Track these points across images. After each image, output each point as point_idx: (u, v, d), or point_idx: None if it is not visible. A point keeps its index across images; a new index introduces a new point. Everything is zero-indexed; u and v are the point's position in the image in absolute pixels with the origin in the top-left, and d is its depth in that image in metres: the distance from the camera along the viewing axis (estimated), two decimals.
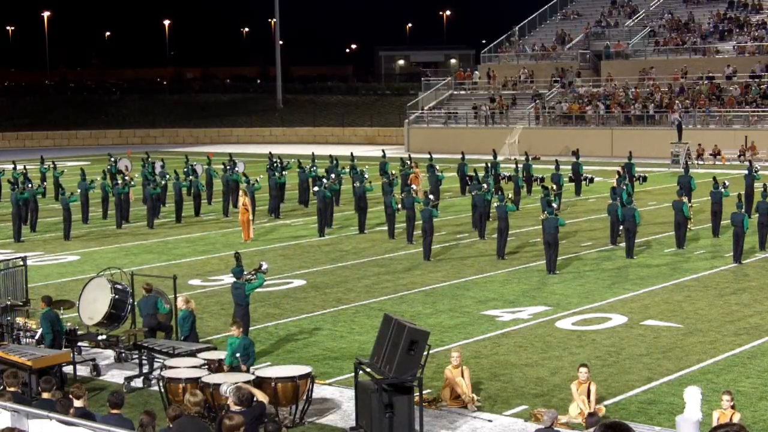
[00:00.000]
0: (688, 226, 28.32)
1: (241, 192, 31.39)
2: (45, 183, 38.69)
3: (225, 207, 36.81)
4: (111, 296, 17.75)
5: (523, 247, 28.39)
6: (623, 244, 27.26)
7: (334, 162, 41.00)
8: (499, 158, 42.73)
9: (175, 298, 17.70)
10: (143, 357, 16.56)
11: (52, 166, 44.01)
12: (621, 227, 27.86)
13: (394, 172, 37.36)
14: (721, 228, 29.51)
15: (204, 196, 38.64)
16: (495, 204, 28.39)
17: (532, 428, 13.65)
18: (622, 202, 27.27)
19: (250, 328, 18.50)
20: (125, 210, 34.94)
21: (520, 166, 38.78)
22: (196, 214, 36.44)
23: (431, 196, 28.30)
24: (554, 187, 34.19)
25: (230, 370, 14.72)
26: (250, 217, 31.21)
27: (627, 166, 37.94)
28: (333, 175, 36.58)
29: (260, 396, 12.49)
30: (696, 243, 28.62)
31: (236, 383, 12.55)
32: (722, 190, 29.54)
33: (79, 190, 34.78)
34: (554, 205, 25.66)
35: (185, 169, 40.29)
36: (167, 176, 38.50)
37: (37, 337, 17.06)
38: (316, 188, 32.65)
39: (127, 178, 36.37)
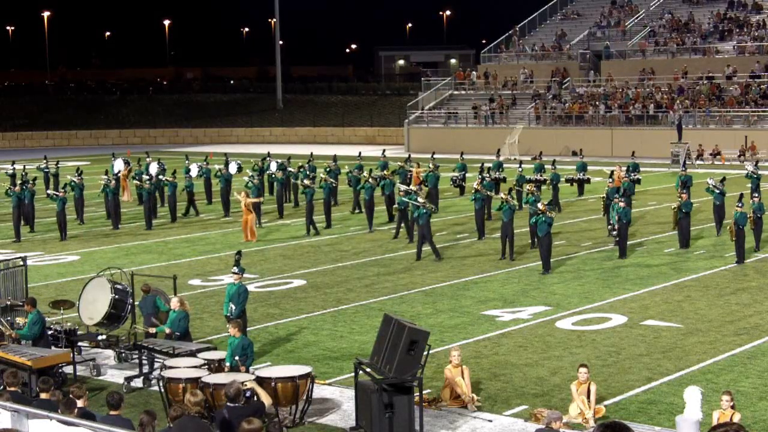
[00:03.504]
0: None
1: (243, 194, 31.33)
2: (35, 183, 37.24)
3: (225, 206, 36.81)
4: (111, 296, 17.76)
5: (523, 247, 28.35)
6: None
7: (334, 161, 41.03)
8: (501, 158, 42.68)
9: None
10: (143, 357, 16.55)
11: (44, 165, 43.98)
12: (611, 226, 28.14)
13: (386, 171, 37.27)
14: (721, 228, 29.63)
15: (203, 197, 38.62)
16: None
17: (532, 428, 13.65)
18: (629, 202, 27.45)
19: (250, 328, 18.53)
20: (116, 210, 34.57)
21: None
22: (186, 213, 36.39)
23: (418, 198, 28.15)
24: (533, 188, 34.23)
25: (230, 370, 14.73)
26: (255, 219, 31.18)
27: (632, 166, 37.96)
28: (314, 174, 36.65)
29: (263, 397, 12.50)
30: (696, 243, 28.62)
31: (235, 381, 12.58)
32: (716, 189, 29.71)
33: (72, 191, 34.72)
34: (538, 205, 25.65)
35: (201, 169, 40.39)
36: (162, 176, 38.04)
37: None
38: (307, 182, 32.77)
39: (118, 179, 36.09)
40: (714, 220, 30.28)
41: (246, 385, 12.85)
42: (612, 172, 33.72)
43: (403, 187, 31.17)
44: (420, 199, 27.81)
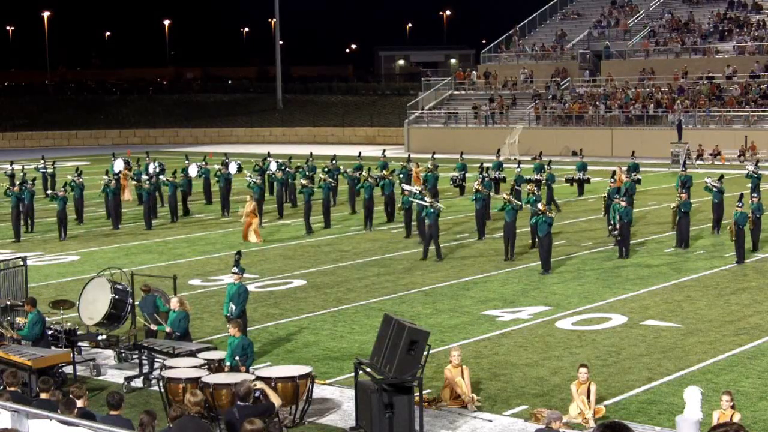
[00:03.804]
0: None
1: (249, 197, 31.26)
2: (34, 183, 36.87)
3: (223, 206, 36.91)
4: (111, 296, 17.75)
5: (524, 247, 28.33)
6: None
7: (334, 161, 41.10)
8: (501, 158, 42.72)
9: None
10: (143, 357, 16.55)
11: (41, 165, 43.86)
12: (612, 227, 28.23)
13: (385, 171, 37.26)
14: (721, 227, 29.69)
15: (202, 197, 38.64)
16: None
17: (532, 428, 13.65)
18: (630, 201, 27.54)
19: (250, 328, 18.53)
20: (116, 210, 34.55)
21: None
22: (185, 214, 36.41)
23: (425, 198, 28.19)
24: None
25: (230, 370, 14.73)
26: (258, 222, 31.07)
27: (632, 166, 38.00)
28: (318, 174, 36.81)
29: (273, 397, 12.47)
30: (696, 243, 28.63)
31: (246, 380, 12.63)
32: (714, 187, 29.95)
33: (72, 191, 34.73)
34: (538, 205, 25.66)
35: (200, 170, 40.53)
36: (162, 176, 37.94)
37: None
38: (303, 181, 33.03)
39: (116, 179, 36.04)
40: (712, 219, 30.39)
41: (256, 385, 12.86)
42: (614, 172, 33.74)
43: (407, 187, 31.17)
44: (427, 199, 27.86)
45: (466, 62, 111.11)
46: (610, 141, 59.09)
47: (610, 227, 28.99)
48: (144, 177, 36.30)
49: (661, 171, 48.67)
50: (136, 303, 18.14)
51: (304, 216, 32.12)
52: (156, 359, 16.20)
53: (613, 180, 32.76)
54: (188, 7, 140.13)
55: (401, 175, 37.42)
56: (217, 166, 39.47)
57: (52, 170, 43.29)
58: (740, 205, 25.62)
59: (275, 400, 12.55)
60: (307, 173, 37.81)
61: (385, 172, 36.81)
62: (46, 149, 68.55)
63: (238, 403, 11.85)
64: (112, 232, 33.26)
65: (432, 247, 27.02)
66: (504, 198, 27.11)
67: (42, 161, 44.77)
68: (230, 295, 18.04)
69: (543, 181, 36.79)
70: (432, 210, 26.86)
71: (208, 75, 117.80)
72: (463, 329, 19.59)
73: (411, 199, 29.36)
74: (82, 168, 40.11)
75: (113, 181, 34.74)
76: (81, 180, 35.35)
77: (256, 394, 12.20)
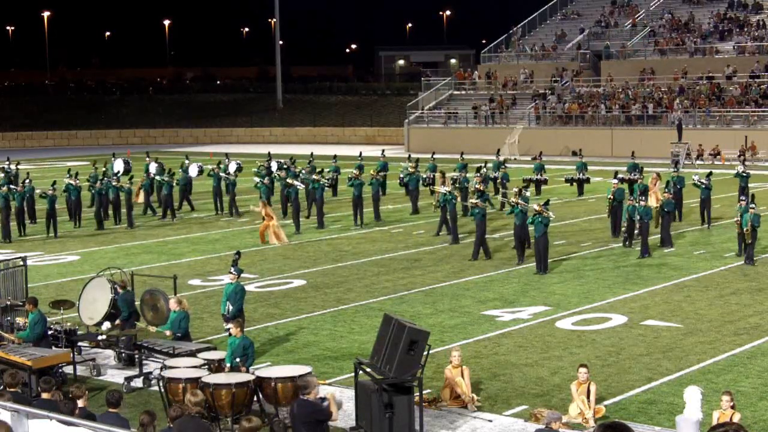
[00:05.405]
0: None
1: (261, 203, 31.32)
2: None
3: (216, 205, 37.07)
4: (111, 296, 17.76)
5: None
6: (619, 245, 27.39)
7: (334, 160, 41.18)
8: (501, 158, 42.72)
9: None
10: (143, 357, 16.54)
11: (6, 165, 43.53)
12: (625, 228, 28.27)
13: (372, 171, 37.23)
14: (720, 227, 29.78)
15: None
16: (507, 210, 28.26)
17: (532, 428, 13.66)
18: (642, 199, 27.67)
19: (250, 328, 18.54)
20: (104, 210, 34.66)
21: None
22: (164, 215, 36.33)
23: (470, 200, 28.47)
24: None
25: (231, 370, 14.74)
26: (276, 224, 30.86)
27: (632, 166, 38.06)
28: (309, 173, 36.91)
29: (334, 410, 12.30)
30: (696, 243, 28.64)
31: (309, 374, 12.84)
32: (701, 184, 30.35)
33: (66, 192, 34.79)
34: (534, 205, 25.63)
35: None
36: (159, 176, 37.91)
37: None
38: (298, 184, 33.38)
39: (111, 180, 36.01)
40: (699, 215, 31.08)
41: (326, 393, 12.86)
42: (616, 172, 33.62)
43: (440, 189, 31.21)
44: (472, 200, 27.98)
45: (466, 62, 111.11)
46: (610, 141, 59.09)
47: (623, 229, 28.64)
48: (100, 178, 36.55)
49: (662, 171, 48.59)
50: (136, 302, 18.13)
51: (294, 215, 32.24)
52: (156, 359, 16.20)
53: (615, 180, 32.62)
54: (188, 7, 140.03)
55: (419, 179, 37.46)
56: (210, 166, 39.41)
57: (15, 171, 43.07)
58: (753, 206, 25.63)
59: (334, 411, 12.36)
60: (296, 173, 37.84)
61: (372, 171, 36.47)
62: (46, 149, 68.57)
63: (300, 397, 11.94)
64: (111, 231, 33.26)
65: (443, 247, 27.03)
66: (513, 202, 27.06)
67: (7, 161, 44.38)
68: (227, 294, 18.10)
69: (547, 181, 37.54)
70: (477, 210, 26.96)
71: (208, 75, 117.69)
72: (463, 329, 19.59)
73: (455, 201, 29.78)
74: (82, 168, 40.03)
75: (99, 182, 35.05)
76: (77, 182, 35.28)
77: (325, 404, 12.17)
